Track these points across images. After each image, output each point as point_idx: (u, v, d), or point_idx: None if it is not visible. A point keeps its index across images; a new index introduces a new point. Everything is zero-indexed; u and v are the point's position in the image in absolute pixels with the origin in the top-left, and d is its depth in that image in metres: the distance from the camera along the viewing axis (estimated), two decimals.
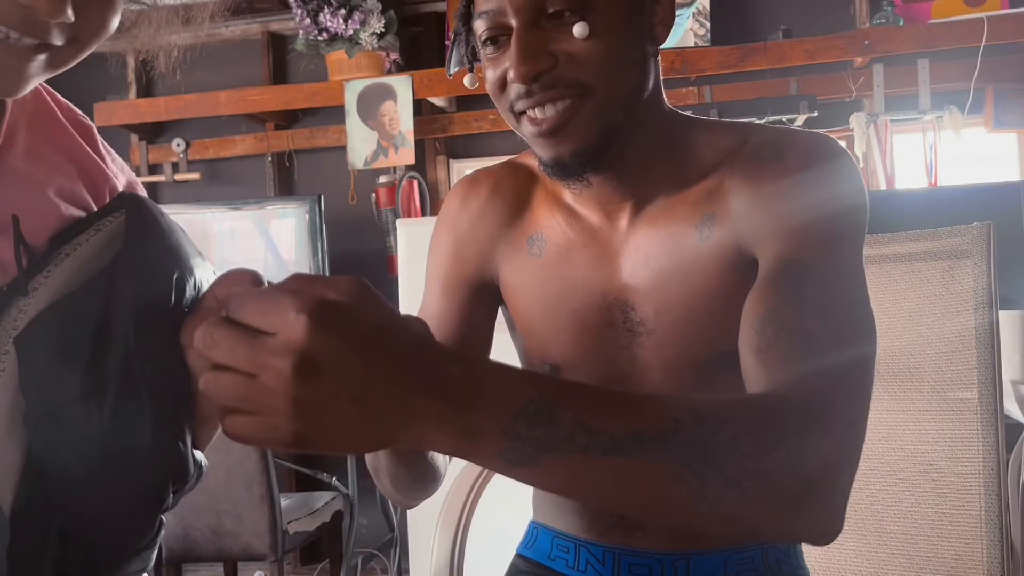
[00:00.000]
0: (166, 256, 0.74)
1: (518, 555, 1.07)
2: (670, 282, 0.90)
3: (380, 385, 0.50)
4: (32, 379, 0.65)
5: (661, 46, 0.90)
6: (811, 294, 0.77)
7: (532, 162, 1.00)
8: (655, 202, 0.91)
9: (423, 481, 0.88)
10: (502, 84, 0.87)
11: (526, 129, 0.87)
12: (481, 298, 1.00)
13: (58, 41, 0.64)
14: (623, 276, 0.92)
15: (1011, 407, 1.92)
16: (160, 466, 0.70)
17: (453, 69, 0.97)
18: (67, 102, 0.80)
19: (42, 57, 0.65)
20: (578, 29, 0.82)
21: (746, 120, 0.97)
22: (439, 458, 0.90)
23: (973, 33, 3.10)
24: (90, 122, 0.81)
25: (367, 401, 0.49)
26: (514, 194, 1.00)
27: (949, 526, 1.29)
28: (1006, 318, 1.54)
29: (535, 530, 1.06)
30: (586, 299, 0.94)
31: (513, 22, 0.83)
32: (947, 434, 1.31)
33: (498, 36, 0.85)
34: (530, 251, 0.97)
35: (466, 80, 0.93)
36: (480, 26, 0.86)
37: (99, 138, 0.81)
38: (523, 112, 0.86)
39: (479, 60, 0.91)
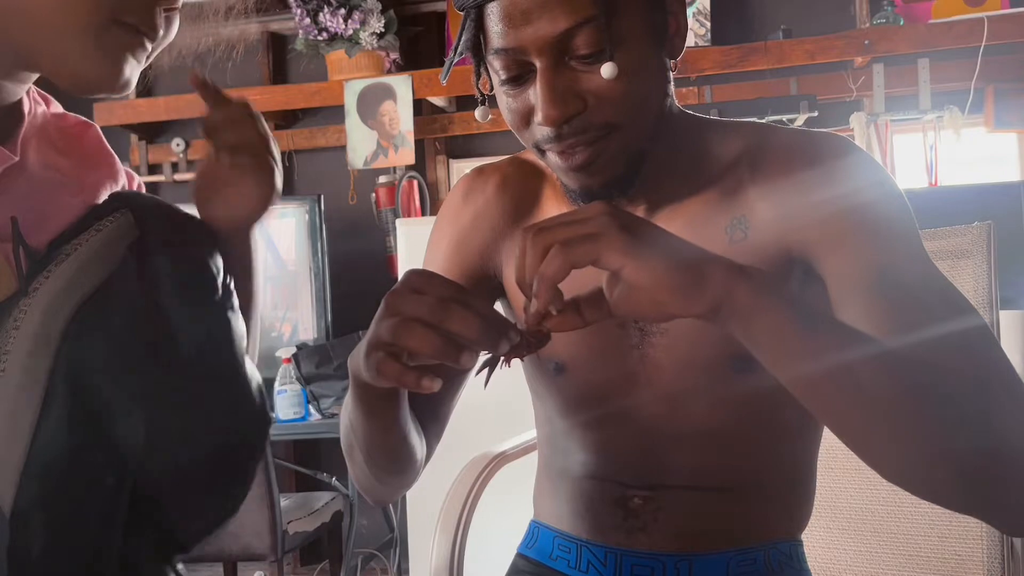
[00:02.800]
0: (185, 229, 0.76)
1: (519, 555, 1.07)
2: None
3: (680, 245, 0.67)
4: (91, 373, 0.65)
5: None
6: (920, 299, 0.76)
7: (534, 161, 0.99)
8: (669, 202, 0.91)
9: (399, 461, 0.87)
10: (526, 120, 0.85)
11: (552, 162, 0.86)
12: (479, 293, 0.99)
13: (155, 39, 0.67)
14: None
15: None
16: (248, 418, 0.73)
17: (478, 113, 0.91)
18: (68, 114, 0.80)
19: (143, 55, 0.68)
20: (607, 71, 0.79)
21: (751, 120, 0.96)
22: (415, 441, 0.89)
23: (973, 33, 3.10)
24: (95, 124, 0.81)
25: (673, 254, 0.65)
26: (521, 190, 0.99)
27: (949, 526, 1.29)
28: (1006, 318, 1.54)
29: (536, 530, 1.05)
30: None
31: (537, 63, 0.81)
32: None
33: (520, 75, 0.83)
34: None
35: (479, 113, 0.90)
36: (498, 63, 0.83)
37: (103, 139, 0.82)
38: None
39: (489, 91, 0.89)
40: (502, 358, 0.71)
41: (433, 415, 0.97)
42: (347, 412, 0.86)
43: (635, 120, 0.83)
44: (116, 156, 0.82)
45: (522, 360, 0.77)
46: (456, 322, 0.65)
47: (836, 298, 0.81)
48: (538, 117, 0.82)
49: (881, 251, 0.79)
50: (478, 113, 0.90)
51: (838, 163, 0.85)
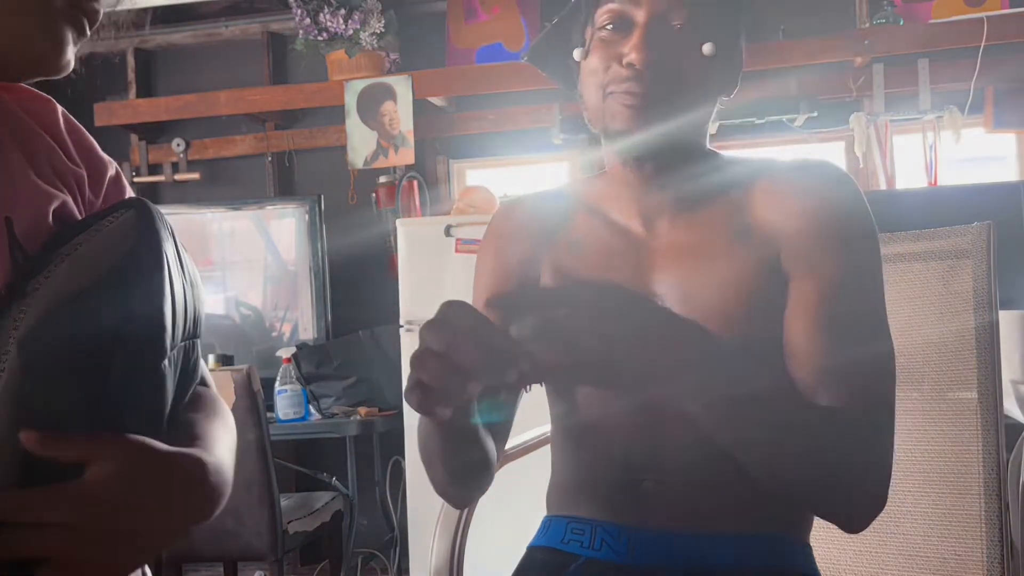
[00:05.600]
0: (162, 269, 0.74)
1: (530, 548, 1.07)
2: (706, 286, 0.97)
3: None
4: (34, 382, 0.65)
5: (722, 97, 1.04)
6: (847, 325, 0.93)
7: (571, 189, 1.11)
8: (693, 200, 1.01)
9: (474, 471, 0.97)
10: (607, 64, 0.96)
11: (613, 106, 0.96)
12: (517, 302, 1.01)
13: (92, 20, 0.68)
14: (659, 280, 0.99)
15: (1011, 407, 1.92)
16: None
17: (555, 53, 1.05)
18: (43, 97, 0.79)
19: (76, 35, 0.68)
20: (708, 48, 0.95)
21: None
22: (488, 447, 0.97)
23: (973, 33, 3.10)
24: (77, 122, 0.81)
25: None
26: (555, 210, 1.08)
27: (949, 526, 1.29)
28: (1006, 318, 1.54)
29: (548, 522, 1.06)
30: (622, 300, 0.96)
31: (639, 18, 0.95)
32: (947, 434, 1.31)
33: (620, 25, 0.96)
34: (569, 253, 1.04)
35: (577, 53, 1.01)
36: (603, 14, 0.97)
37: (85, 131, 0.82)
38: (615, 93, 0.95)
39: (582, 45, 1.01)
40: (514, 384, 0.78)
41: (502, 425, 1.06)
42: (422, 426, 0.95)
43: (693, 101, 0.97)
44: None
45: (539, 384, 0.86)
46: (462, 354, 0.73)
47: (787, 315, 0.95)
48: (628, 57, 0.94)
49: (829, 287, 0.93)
50: (578, 53, 1.01)
51: (824, 194, 0.97)
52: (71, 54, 0.70)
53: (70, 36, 0.70)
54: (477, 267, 1.13)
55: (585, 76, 1.00)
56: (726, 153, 1.07)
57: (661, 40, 0.94)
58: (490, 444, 0.98)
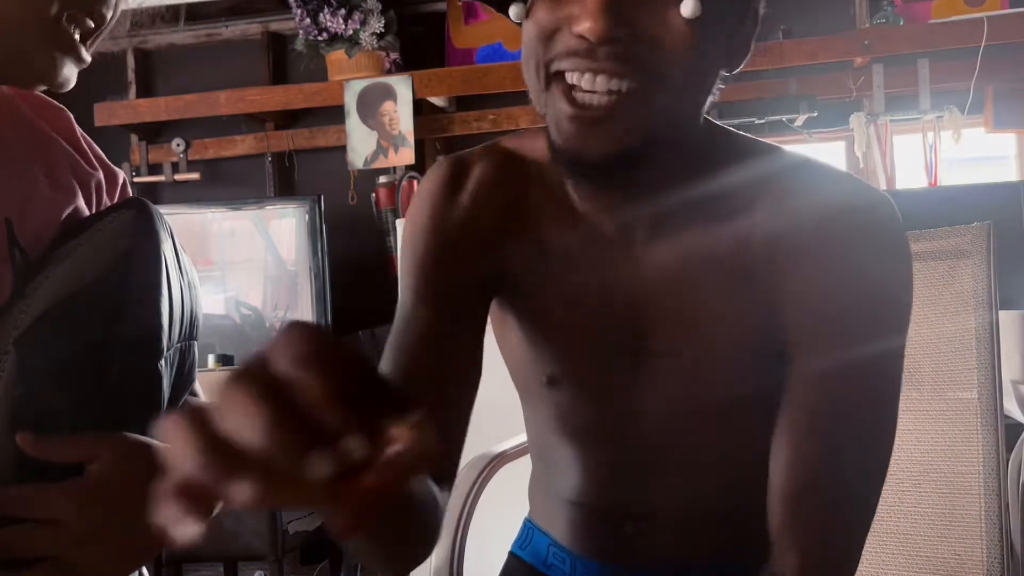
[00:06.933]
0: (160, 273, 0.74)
1: (513, 554, 1.05)
2: (691, 315, 0.80)
3: None
4: (33, 383, 0.65)
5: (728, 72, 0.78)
6: (847, 442, 0.76)
7: (519, 150, 0.86)
8: (675, 225, 0.80)
9: (422, 539, 0.77)
10: (550, 33, 0.69)
11: (558, 101, 0.70)
12: (475, 305, 0.87)
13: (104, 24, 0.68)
14: (637, 298, 0.82)
15: (1011, 407, 1.92)
16: None
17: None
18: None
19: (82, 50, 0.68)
20: (688, 7, 0.66)
21: (779, 147, 0.84)
22: (433, 506, 0.75)
23: (973, 33, 3.10)
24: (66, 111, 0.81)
25: None
26: (509, 190, 0.84)
27: (949, 526, 1.29)
28: (1006, 318, 1.54)
29: (530, 530, 1.03)
30: (593, 314, 0.84)
31: None
32: (947, 434, 1.31)
33: None
34: (533, 254, 0.84)
35: (514, 11, 0.72)
36: None
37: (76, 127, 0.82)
38: (562, 75, 0.69)
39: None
40: None
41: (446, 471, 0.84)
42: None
43: (681, 89, 0.70)
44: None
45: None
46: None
47: (787, 389, 0.79)
48: (577, 26, 0.66)
49: (838, 371, 0.76)
50: (514, 11, 0.72)
51: (855, 239, 0.75)
52: (68, 72, 0.70)
53: (65, 57, 0.70)
54: (407, 238, 0.87)
55: (525, 42, 0.72)
56: (732, 133, 0.84)
57: (632, 2, 0.67)
58: (432, 503, 0.75)
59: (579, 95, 0.69)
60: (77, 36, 0.71)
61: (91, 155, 0.78)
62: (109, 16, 0.72)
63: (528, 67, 0.72)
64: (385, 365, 0.80)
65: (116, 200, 0.81)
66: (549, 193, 0.83)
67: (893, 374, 0.78)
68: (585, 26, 0.66)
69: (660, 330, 0.82)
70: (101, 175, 0.79)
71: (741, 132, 0.85)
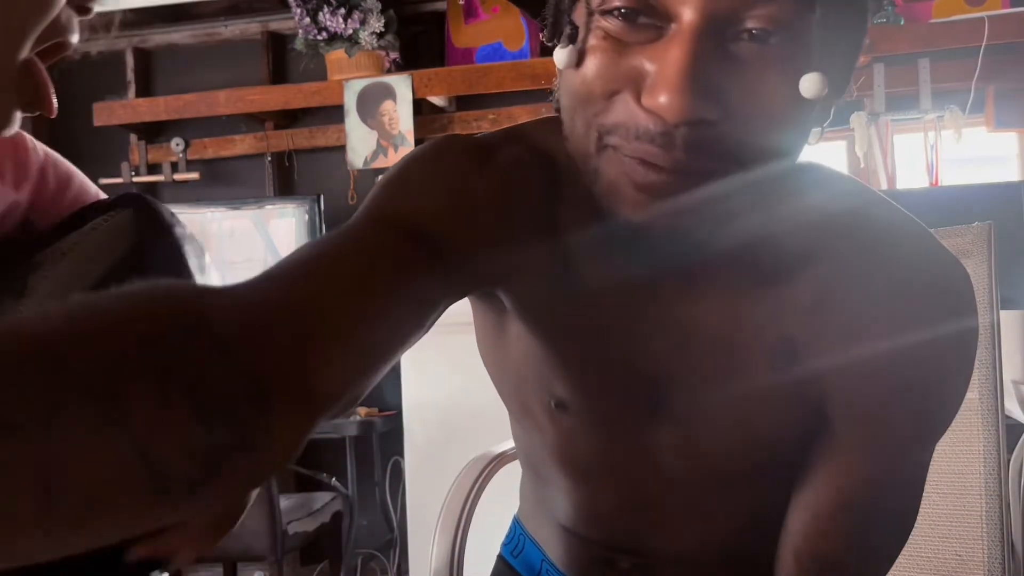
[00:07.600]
0: (179, 259, 0.74)
1: (504, 559, 1.01)
2: (722, 380, 0.72)
3: None
4: None
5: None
6: (873, 528, 0.72)
7: (551, 151, 0.69)
8: (715, 279, 0.69)
9: None
10: (612, 87, 0.55)
11: (614, 172, 0.57)
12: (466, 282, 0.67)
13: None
14: (665, 353, 0.72)
15: (1012, 407, 1.91)
16: None
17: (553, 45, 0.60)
18: None
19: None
20: (810, 83, 0.52)
21: (846, 186, 0.71)
22: None
23: (974, 33, 3.09)
24: None
25: None
26: (538, 193, 0.69)
27: (950, 527, 1.29)
28: (1006, 318, 1.54)
29: (521, 538, 0.99)
30: (616, 352, 0.75)
31: (685, 13, 0.52)
32: (947, 434, 1.30)
33: (642, 13, 0.54)
34: (558, 271, 0.72)
35: (562, 57, 0.57)
36: None
37: None
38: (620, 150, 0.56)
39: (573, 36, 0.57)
40: None
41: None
42: None
43: (764, 163, 0.56)
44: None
45: None
46: None
47: (818, 453, 0.72)
48: (649, 98, 0.52)
49: (879, 461, 0.71)
50: (562, 57, 0.58)
51: (921, 324, 0.64)
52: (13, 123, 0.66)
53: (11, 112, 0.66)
54: (390, 181, 0.66)
55: (570, 91, 0.58)
56: (821, 181, 0.68)
57: (725, 64, 0.52)
58: None
59: (646, 173, 0.55)
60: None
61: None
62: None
63: (573, 119, 0.59)
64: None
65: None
66: (583, 208, 0.68)
67: (922, 480, 0.75)
68: (660, 101, 0.51)
69: (685, 390, 0.74)
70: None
71: (831, 169, 0.71)
